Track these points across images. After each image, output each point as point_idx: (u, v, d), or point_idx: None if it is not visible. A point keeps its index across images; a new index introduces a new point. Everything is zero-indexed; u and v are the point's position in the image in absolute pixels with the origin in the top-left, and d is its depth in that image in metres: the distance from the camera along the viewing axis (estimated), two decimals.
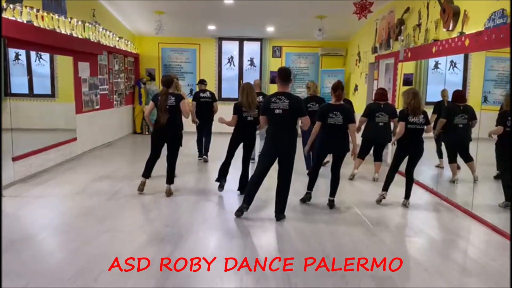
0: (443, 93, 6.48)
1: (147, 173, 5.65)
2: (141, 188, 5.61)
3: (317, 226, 4.53)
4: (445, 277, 3.45)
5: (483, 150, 5.32)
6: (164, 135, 5.55)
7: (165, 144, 5.64)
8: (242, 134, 5.62)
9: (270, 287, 3.21)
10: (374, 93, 7.03)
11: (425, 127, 5.22)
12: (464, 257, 3.90)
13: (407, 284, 3.31)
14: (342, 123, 5.07)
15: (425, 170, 7.20)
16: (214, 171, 7.05)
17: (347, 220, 4.77)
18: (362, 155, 6.71)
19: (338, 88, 5.12)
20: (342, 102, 5.17)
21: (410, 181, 5.38)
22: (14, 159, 5.84)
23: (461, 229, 4.66)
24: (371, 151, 6.80)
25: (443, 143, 6.23)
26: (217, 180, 5.87)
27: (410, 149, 5.26)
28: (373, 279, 3.37)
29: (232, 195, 5.83)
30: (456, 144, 5.89)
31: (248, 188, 4.90)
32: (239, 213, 4.80)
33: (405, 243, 4.17)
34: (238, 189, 5.80)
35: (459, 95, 5.90)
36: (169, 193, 5.59)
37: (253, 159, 7.08)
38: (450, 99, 6.16)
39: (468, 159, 5.67)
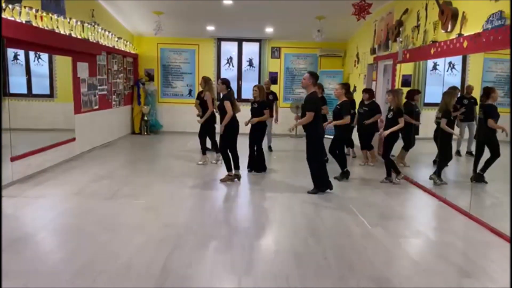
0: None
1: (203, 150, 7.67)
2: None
3: (315, 227, 4.54)
4: (443, 278, 3.46)
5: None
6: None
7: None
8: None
9: None
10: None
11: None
12: (462, 258, 3.91)
13: (405, 285, 3.32)
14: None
15: (423, 171, 7.22)
16: (214, 170, 7.07)
17: (345, 221, 4.79)
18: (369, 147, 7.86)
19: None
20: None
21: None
22: (13, 159, 5.84)
23: (459, 230, 4.68)
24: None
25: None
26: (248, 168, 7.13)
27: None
28: (371, 279, 3.38)
29: (230, 194, 5.85)
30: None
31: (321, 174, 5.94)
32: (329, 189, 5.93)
33: (403, 244, 4.18)
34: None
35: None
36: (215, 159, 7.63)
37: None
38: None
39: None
